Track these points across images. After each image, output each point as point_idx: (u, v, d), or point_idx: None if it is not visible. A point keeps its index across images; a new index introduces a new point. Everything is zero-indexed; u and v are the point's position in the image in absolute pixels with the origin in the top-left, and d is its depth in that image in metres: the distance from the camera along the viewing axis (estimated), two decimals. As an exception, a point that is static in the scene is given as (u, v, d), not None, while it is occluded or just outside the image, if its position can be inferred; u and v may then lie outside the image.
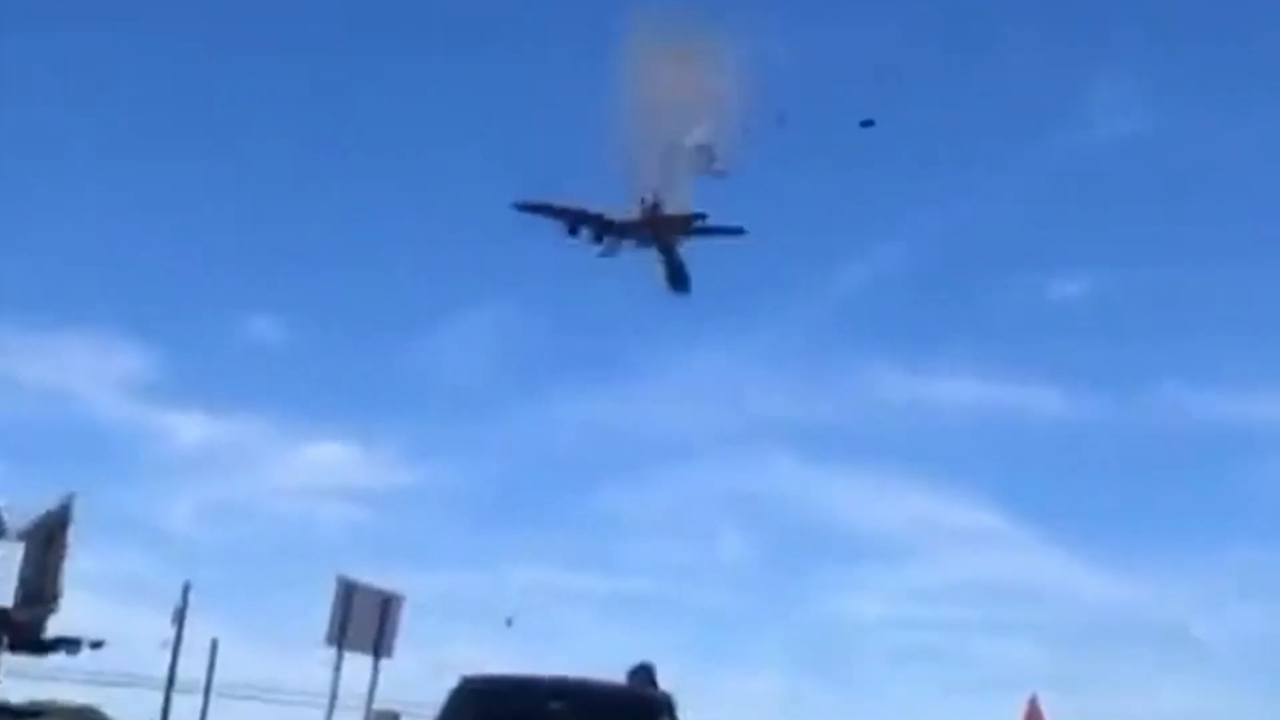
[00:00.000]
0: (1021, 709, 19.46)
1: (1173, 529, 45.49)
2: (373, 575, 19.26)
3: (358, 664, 18.15)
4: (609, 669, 15.57)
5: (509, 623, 18.09)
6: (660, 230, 16.33)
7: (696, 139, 21.55)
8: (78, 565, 28.60)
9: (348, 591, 17.84)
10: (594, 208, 19.50)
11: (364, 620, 17.98)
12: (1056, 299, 49.51)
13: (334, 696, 17.62)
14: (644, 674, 15.53)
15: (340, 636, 17.61)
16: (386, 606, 18.30)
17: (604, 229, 19.90)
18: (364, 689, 18.06)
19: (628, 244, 19.95)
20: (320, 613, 18.11)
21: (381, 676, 18.19)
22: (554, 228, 19.65)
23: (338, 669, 17.68)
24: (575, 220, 19.45)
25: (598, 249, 20.00)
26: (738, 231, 17.84)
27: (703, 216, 17.62)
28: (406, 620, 18.59)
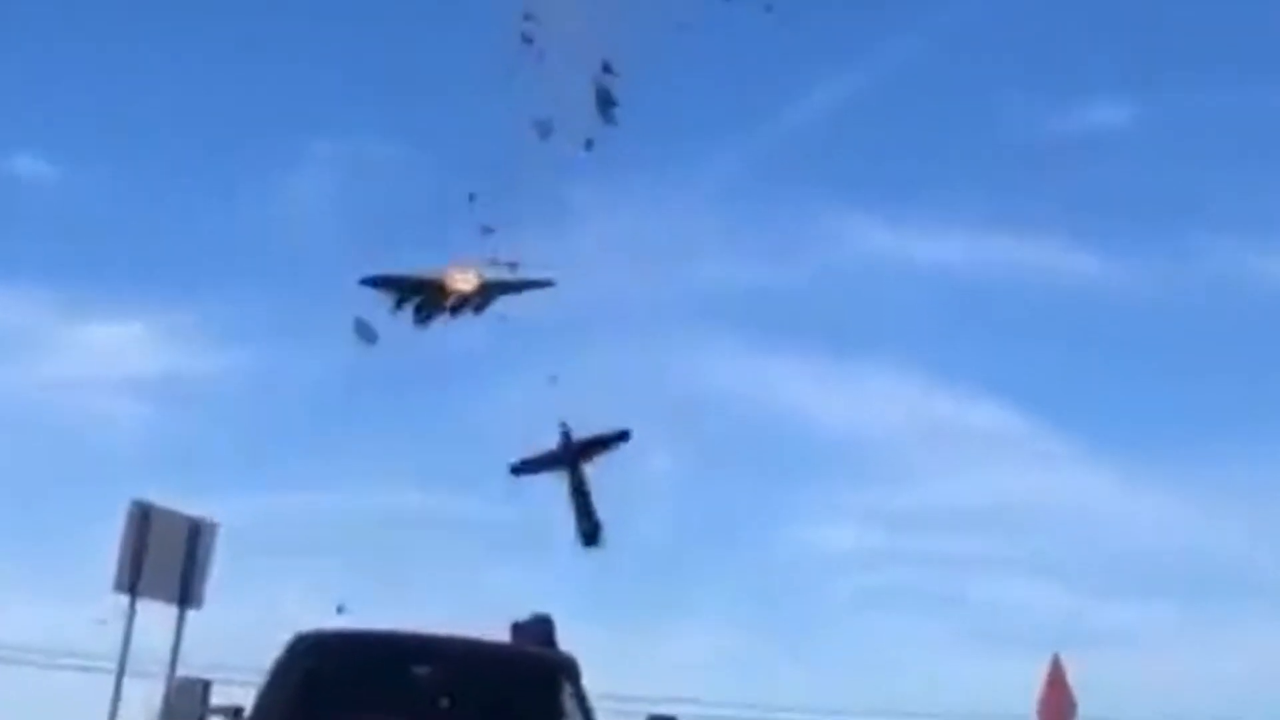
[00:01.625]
0: (1041, 673, 18.44)
1: (1233, 435, 41.82)
2: (177, 498, 17.72)
3: (157, 616, 16.48)
4: (492, 623, 14.20)
5: (340, 610, 16.83)
6: (580, 459, 15.66)
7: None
8: None
9: (143, 518, 16.35)
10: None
11: (165, 557, 16.60)
12: (1087, 127, 45.05)
13: (124, 660, 16.08)
14: (538, 629, 14.25)
15: (133, 579, 16.16)
16: (195, 538, 16.82)
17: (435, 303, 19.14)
18: (166, 649, 16.39)
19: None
20: (107, 548, 16.53)
21: (189, 632, 16.50)
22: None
23: (129, 622, 16.08)
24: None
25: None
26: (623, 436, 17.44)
27: (627, 435, 17.01)
28: (222, 558, 16.87)
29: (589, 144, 19.99)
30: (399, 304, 19.20)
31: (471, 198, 18.75)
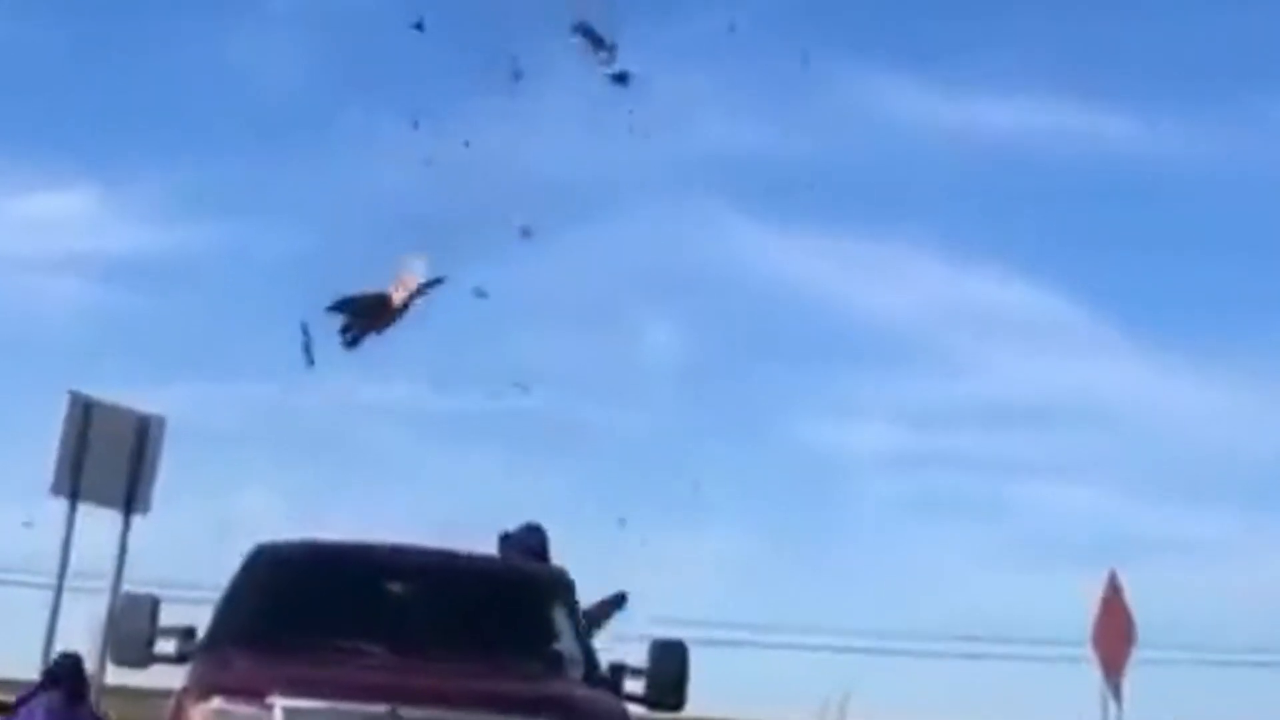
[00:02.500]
0: (1098, 589, 18.16)
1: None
2: (121, 390, 17.27)
3: (100, 523, 16.14)
4: (476, 533, 13.81)
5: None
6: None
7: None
8: None
9: (83, 413, 15.95)
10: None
11: (108, 456, 16.25)
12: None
13: (63, 573, 15.75)
14: (529, 540, 13.79)
15: (73, 482, 15.77)
16: (142, 436, 16.42)
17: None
18: (109, 561, 16.06)
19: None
20: (44, 446, 16.10)
21: (136, 541, 16.19)
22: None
23: (69, 530, 15.72)
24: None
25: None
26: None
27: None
28: (170, 457, 16.53)
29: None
30: (346, 330, 18.49)
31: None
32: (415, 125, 19.79)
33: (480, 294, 22.69)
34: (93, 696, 15.21)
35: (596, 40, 20.40)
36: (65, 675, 12.50)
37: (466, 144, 20.29)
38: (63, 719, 12.18)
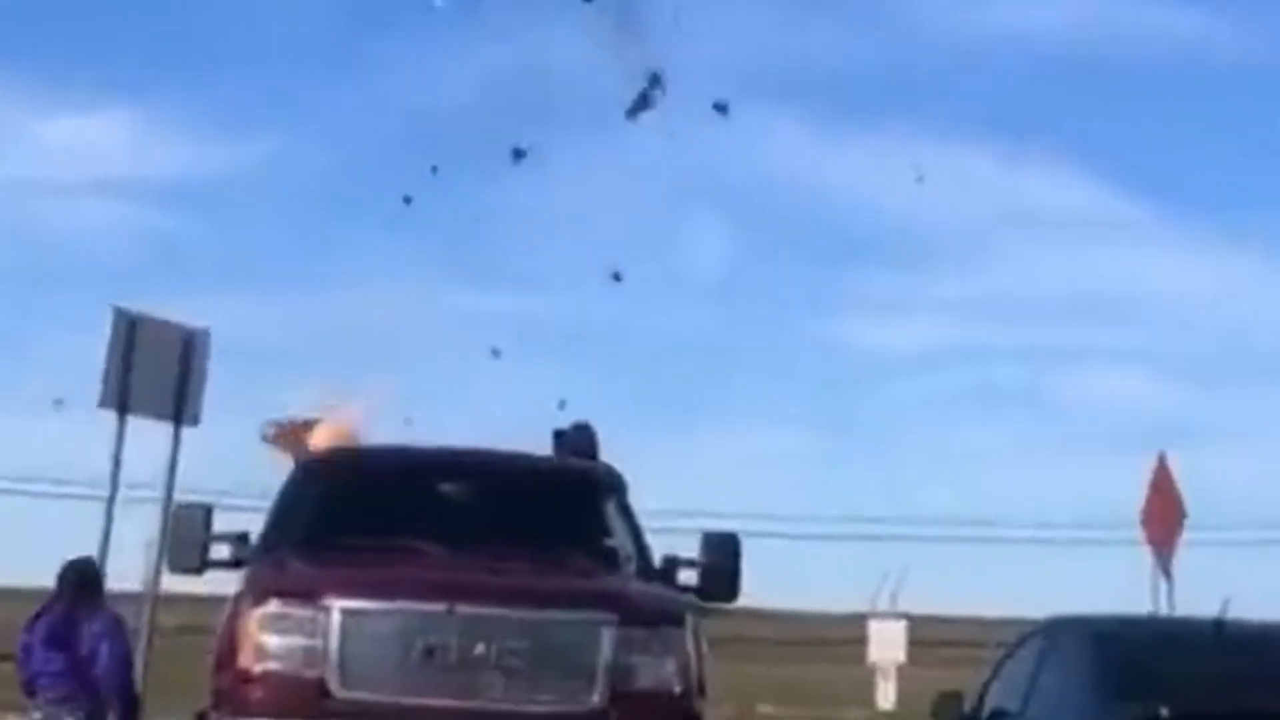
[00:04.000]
0: (1147, 474, 17.92)
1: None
2: (164, 306, 16.97)
3: (150, 435, 15.93)
4: (525, 435, 13.52)
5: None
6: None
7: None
8: None
9: (129, 329, 15.72)
10: None
11: (155, 370, 15.99)
12: None
13: (116, 482, 15.52)
14: (578, 439, 13.53)
15: (121, 394, 15.50)
16: (188, 350, 16.14)
17: None
18: (159, 471, 15.86)
19: None
20: (89, 362, 15.87)
21: (186, 453, 15.95)
22: None
23: (119, 441, 15.50)
24: None
25: None
26: None
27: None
28: (217, 371, 16.29)
29: None
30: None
31: None
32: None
33: (496, 353, 22.21)
34: (146, 606, 15.10)
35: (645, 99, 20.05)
36: (77, 585, 12.21)
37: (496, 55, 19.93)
38: (63, 633, 11.92)
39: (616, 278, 21.88)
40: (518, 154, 19.49)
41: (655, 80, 19.94)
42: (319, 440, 13.36)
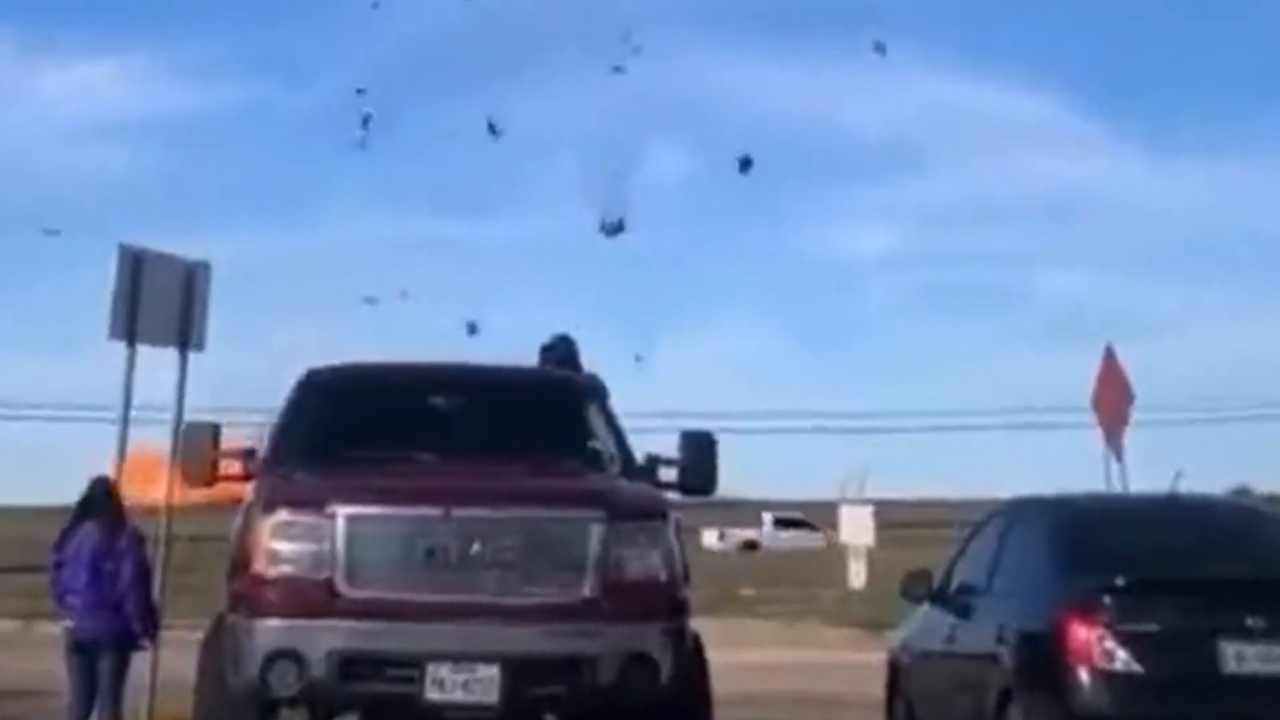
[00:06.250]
0: (1095, 365, 17.92)
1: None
2: (162, 240, 16.84)
3: (157, 361, 15.80)
4: (510, 350, 13.50)
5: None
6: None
7: None
8: None
9: (134, 263, 15.51)
10: None
11: (160, 301, 15.80)
12: None
13: (127, 407, 15.44)
14: (560, 351, 13.48)
15: (129, 325, 15.35)
16: (190, 280, 16.02)
17: None
18: (167, 395, 15.77)
19: None
20: (94, 296, 15.76)
21: (193, 377, 15.85)
22: None
23: (130, 369, 15.38)
24: None
25: None
26: None
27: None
28: (217, 300, 16.12)
29: None
30: None
31: None
32: None
33: (472, 329, 22.00)
34: (162, 516, 15.09)
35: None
36: (99, 502, 12.17)
37: None
38: (104, 547, 11.92)
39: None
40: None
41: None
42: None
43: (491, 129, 23.78)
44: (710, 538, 72.56)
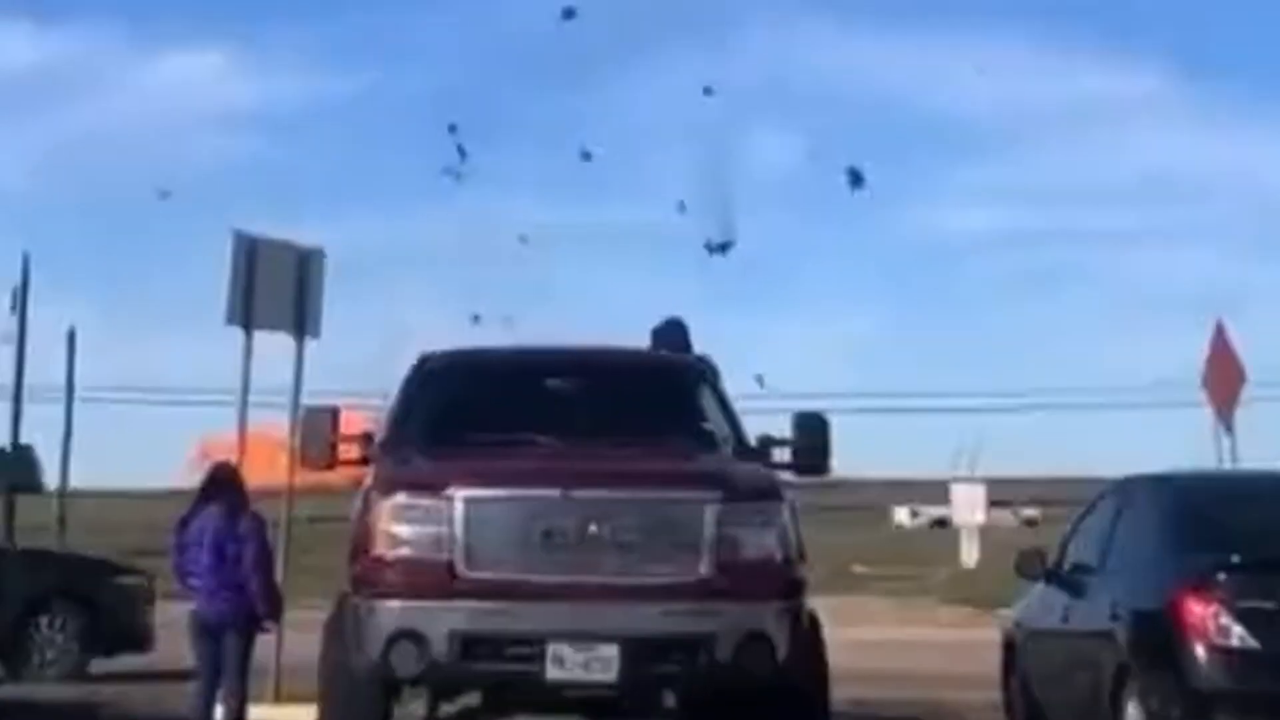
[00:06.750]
0: (1205, 341, 17.80)
1: None
2: (276, 228, 17.07)
3: (274, 347, 16.03)
4: (623, 333, 13.61)
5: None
6: None
7: None
8: None
9: (249, 250, 15.75)
10: None
11: (275, 287, 15.98)
12: None
13: (246, 390, 15.65)
14: (672, 334, 13.57)
15: (245, 312, 15.55)
16: (304, 267, 16.22)
17: None
18: (284, 380, 16.00)
19: None
20: (210, 283, 16.05)
21: (310, 363, 16.09)
22: None
23: (247, 356, 15.62)
24: None
25: None
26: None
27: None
28: (331, 286, 16.33)
29: None
30: None
31: None
32: None
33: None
34: (284, 499, 15.31)
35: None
36: (221, 487, 12.32)
37: None
38: (226, 531, 12.09)
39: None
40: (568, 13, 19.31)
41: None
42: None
43: (585, 156, 24.03)
44: (902, 515, 72.82)
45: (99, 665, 18.98)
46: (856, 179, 21.65)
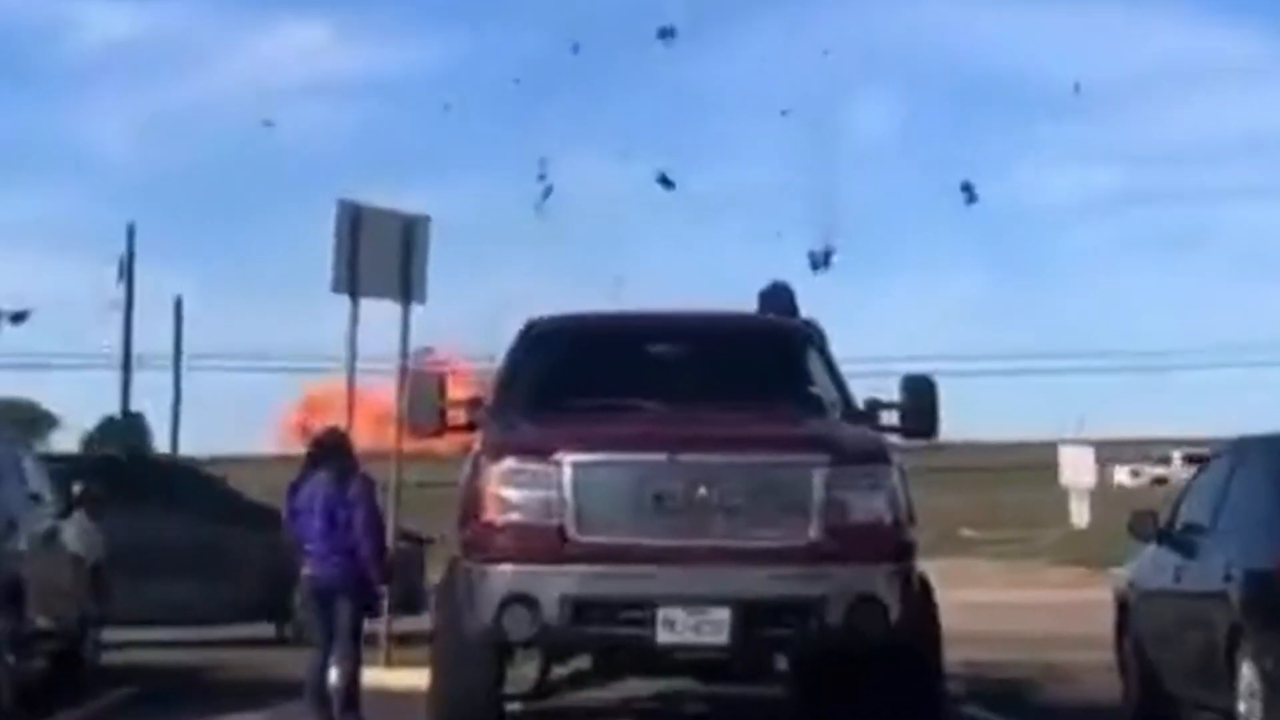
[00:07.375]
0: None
1: None
2: (380, 195, 17.14)
3: (380, 313, 16.11)
4: (726, 296, 13.59)
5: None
6: None
7: None
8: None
9: (353, 218, 15.83)
10: None
11: (380, 255, 16.06)
12: None
13: (353, 356, 15.78)
14: (778, 297, 13.56)
15: (350, 280, 15.65)
16: (409, 234, 16.27)
17: None
18: (390, 348, 16.10)
19: None
20: (315, 251, 16.14)
21: (416, 329, 16.17)
22: None
23: (353, 323, 15.72)
24: None
25: None
26: None
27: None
28: (436, 252, 16.37)
29: None
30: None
31: None
32: None
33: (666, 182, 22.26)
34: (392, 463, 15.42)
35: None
36: (329, 452, 12.35)
37: None
38: (336, 496, 12.15)
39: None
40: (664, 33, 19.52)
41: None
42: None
43: (665, 182, 24.10)
44: (1122, 474, 73.03)
45: (224, 631, 19.22)
46: (970, 194, 21.78)
